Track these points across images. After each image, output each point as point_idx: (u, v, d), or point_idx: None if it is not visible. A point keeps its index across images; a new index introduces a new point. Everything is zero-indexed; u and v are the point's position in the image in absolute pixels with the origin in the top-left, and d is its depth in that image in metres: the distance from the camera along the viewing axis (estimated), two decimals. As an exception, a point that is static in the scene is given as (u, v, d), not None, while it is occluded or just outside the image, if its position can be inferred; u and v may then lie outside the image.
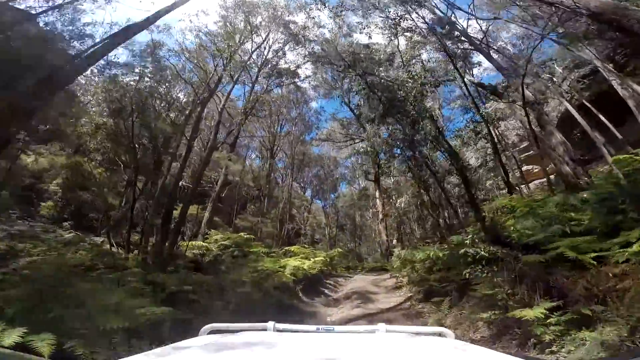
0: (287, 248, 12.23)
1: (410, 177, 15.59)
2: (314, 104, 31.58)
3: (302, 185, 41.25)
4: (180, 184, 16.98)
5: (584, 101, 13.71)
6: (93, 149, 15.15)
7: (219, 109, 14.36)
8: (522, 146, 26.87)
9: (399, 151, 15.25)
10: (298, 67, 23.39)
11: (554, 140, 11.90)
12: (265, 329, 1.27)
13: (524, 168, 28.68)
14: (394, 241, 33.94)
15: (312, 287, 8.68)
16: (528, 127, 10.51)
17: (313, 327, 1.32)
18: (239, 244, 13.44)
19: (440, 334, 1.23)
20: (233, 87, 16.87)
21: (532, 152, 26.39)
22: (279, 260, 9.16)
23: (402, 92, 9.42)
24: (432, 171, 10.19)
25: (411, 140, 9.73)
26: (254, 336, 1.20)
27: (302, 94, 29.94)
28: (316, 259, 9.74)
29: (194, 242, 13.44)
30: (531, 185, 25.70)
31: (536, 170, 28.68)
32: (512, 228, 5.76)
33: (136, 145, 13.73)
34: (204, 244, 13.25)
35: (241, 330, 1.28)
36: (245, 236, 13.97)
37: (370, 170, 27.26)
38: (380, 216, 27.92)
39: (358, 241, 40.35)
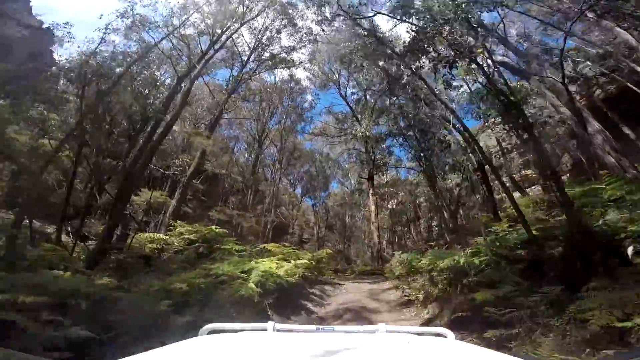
0: (264, 246, 9.68)
1: (412, 169, 13.25)
2: (308, 97, 29.18)
3: (292, 182, 38.72)
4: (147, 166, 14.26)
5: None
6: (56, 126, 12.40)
7: (192, 77, 11.78)
8: (519, 151, 25.11)
9: (401, 139, 12.99)
10: (293, 49, 20.94)
11: (591, 128, 9.82)
12: (265, 329, 1.21)
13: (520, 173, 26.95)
14: (384, 243, 31.76)
15: (289, 300, 6.22)
16: (571, 104, 8.34)
17: (313, 327, 1.28)
18: (207, 240, 10.88)
19: (440, 334, 1.21)
20: (215, 54, 14.26)
21: (529, 157, 24.57)
22: (247, 262, 6.67)
23: (436, 21, 6.81)
24: (468, 133, 7.60)
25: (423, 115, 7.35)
26: (253, 336, 1.18)
27: (296, 84, 27.61)
28: (298, 261, 7.27)
29: (153, 235, 10.81)
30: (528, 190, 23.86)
31: (534, 175, 26.92)
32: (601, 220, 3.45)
33: (85, 117, 11.11)
34: (164, 237, 10.64)
35: (241, 331, 1.23)
36: (217, 230, 11.39)
37: (364, 165, 25.00)
38: (373, 216, 25.63)
39: (347, 242, 37.93)
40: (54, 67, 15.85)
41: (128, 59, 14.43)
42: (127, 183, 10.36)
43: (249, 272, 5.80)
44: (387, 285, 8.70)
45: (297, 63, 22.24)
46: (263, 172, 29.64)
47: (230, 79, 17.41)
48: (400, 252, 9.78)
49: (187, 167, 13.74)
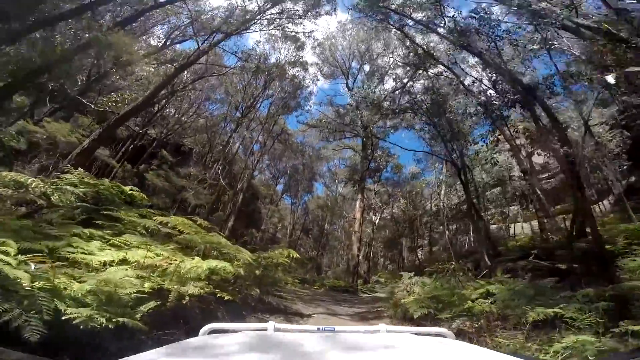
0: (162, 219, 5.11)
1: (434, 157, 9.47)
2: (309, 82, 25.28)
3: (274, 174, 34.24)
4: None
5: None
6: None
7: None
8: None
9: (423, 121, 9.13)
10: (305, 14, 17.07)
11: None
12: (265, 329, 1.18)
13: (514, 208, 23.66)
14: (361, 258, 27.77)
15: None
16: None
17: (313, 327, 1.22)
18: (105, 198, 6.52)
19: (440, 334, 1.17)
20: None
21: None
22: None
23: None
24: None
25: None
26: (254, 336, 1.13)
27: (302, 67, 23.75)
28: (209, 263, 3.01)
29: (19, 177, 6.31)
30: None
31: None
32: None
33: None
34: (35, 183, 6.17)
35: (241, 330, 1.19)
36: (130, 192, 7.03)
37: (359, 166, 21.22)
38: (357, 225, 21.67)
39: (321, 250, 33.64)
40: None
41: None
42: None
43: None
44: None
45: (308, 32, 18.32)
46: (246, 159, 25.03)
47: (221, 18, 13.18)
48: (411, 274, 5.77)
49: (122, 102, 9.33)
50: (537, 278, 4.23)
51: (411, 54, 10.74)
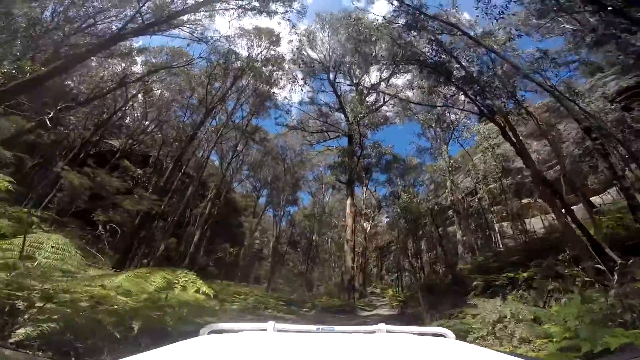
0: None
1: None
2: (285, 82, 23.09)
3: (255, 186, 31.13)
4: None
5: None
6: None
7: None
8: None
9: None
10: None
11: None
12: (265, 329, 1.14)
13: (525, 200, 21.94)
14: (354, 269, 24.99)
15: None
16: None
17: (313, 327, 1.19)
18: None
19: (440, 334, 1.15)
20: None
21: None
22: None
23: None
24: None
25: None
26: (254, 336, 1.11)
27: (276, 62, 21.69)
28: None
29: None
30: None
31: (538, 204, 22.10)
32: None
33: None
34: None
35: (241, 331, 1.17)
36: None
37: (346, 167, 18.80)
38: (349, 233, 19.07)
39: (311, 264, 30.46)
40: None
41: None
42: None
43: None
44: None
45: (282, 14, 16.14)
46: (222, 169, 21.95)
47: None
48: (497, 299, 3.03)
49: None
50: None
51: (404, 13, 8.72)
